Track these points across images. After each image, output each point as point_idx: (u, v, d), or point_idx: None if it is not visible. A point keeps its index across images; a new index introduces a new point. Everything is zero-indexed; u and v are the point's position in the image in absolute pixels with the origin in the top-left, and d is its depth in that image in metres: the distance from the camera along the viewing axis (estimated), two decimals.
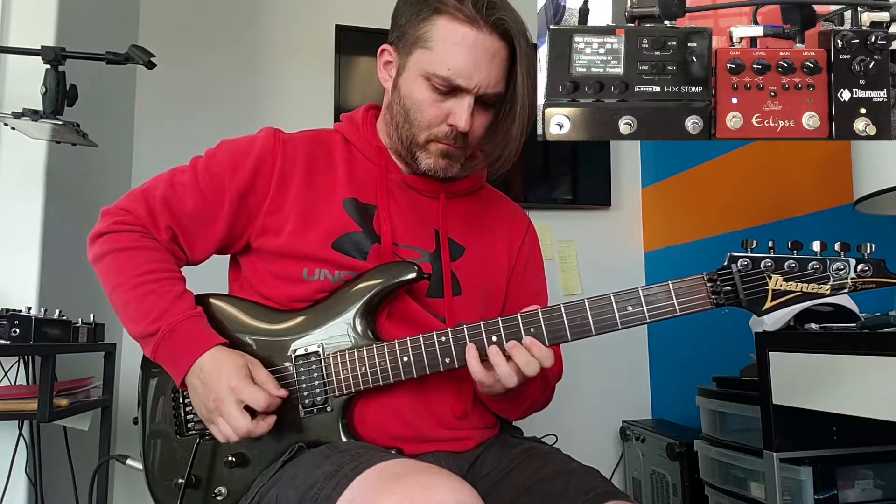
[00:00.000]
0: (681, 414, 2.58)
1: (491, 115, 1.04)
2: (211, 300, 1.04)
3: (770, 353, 1.36)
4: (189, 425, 1.00)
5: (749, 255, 0.87)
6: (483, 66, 0.97)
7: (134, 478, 1.06)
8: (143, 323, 0.96)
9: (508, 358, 0.90)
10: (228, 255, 1.11)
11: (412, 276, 0.99)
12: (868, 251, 0.84)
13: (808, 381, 1.27)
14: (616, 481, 2.23)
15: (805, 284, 0.85)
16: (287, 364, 0.98)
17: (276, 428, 0.96)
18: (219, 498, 0.97)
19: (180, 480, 0.97)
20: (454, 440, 1.03)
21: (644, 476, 2.43)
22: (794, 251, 0.86)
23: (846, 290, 0.85)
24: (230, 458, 0.96)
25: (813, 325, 1.36)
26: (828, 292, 0.85)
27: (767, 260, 0.86)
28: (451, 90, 0.99)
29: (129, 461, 1.13)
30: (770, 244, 0.87)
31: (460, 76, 0.97)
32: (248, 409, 0.92)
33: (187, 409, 1.01)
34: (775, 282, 0.86)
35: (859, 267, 0.84)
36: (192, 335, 0.95)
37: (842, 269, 0.84)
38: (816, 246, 0.86)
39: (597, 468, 0.97)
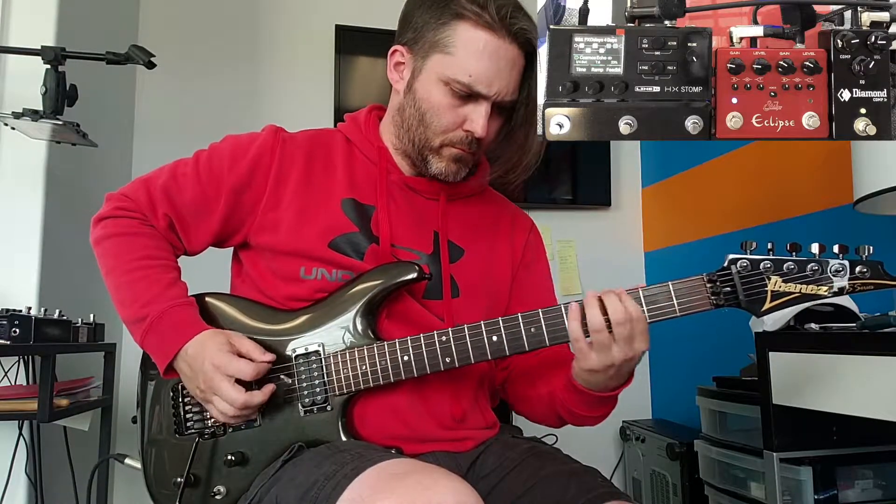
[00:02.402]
0: (681, 414, 2.58)
1: (502, 120, 1.04)
2: (210, 300, 1.04)
3: (770, 353, 1.37)
4: (188, 424, 1.00)
5: (748, 256, 0.87)
6: (504, 74, 0.98)
7: (133, 477, 1.06)
8: (133, 307, 0.97)
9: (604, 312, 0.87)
10: (230, 252, 1.12)
11: (413, 276, 0.99)
12: (866, 253, 0.85)
13: (808, 381, 1.27)
14: (616, 481, 2.23)
15: (804, 286, 0.86)
16: (287, 363, 0.98)
17: (275, 427, 0.96)
18: (218, 497, 0.97)
19: (179, 479, 0.97)
20: (453, 440, 1.02)
21: (644, 476, 2.43)
22: (793, 253, 0.87)
23: (844, 292, 0.86)
24: (229, 457, 0.96)
25: (813, 325, 1.36)
26: (826, 294, 0.86)
27: (766, 261, 0.87)
28: (469, 96, 0.99)
29: (127, 460, 1.13)
30: (769, 246, 0.88)
31: (481, 83, 0.97)
32: (241, 382, 0.92)
33: (186, 407, 1.01)
34: (774, 283, 0.86)
35: (857, 269, 0.85)
36: (178, 322, 0.96)
37: (840, 271, 0.85)
38: (815, 248, 0.86)
39: (597, 468, 0.97)
